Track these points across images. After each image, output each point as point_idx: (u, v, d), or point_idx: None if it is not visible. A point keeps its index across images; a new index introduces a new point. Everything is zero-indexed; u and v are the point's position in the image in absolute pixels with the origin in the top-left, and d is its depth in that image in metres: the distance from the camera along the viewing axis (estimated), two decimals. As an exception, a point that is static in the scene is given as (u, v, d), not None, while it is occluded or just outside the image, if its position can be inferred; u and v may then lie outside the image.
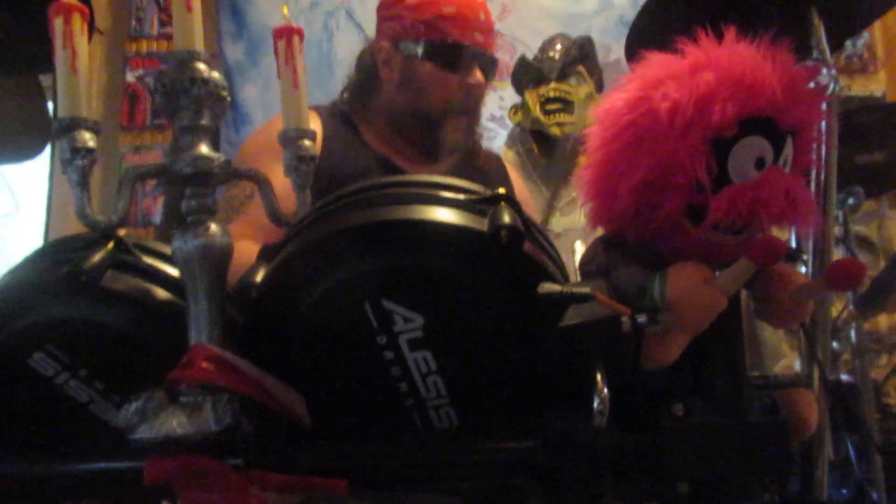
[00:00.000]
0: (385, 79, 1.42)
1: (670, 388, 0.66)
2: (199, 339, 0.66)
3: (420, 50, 1.36)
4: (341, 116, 1.43)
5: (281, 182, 0.81)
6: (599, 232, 0.74)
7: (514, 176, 1.60)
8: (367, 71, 1.44)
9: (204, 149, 0.70)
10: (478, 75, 1.37)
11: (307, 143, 0.80)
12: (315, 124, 1.38)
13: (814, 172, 0.95)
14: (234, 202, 1.25)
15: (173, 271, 0.70)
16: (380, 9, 1.44)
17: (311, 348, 0.68)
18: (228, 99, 0.73)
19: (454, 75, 1.36)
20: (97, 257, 0.67)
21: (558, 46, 2.26)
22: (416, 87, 1.38)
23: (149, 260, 0.71)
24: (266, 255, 0.71)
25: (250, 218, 1.21)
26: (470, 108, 1.41)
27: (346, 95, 1.47)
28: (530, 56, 2.33)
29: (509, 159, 2.20)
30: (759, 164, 0.64)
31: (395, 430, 0.71)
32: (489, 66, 1.40)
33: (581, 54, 2.23)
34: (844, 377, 1.53)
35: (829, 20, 1.00)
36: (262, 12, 3.35)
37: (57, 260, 0.70)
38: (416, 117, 1.39)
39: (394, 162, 1.40)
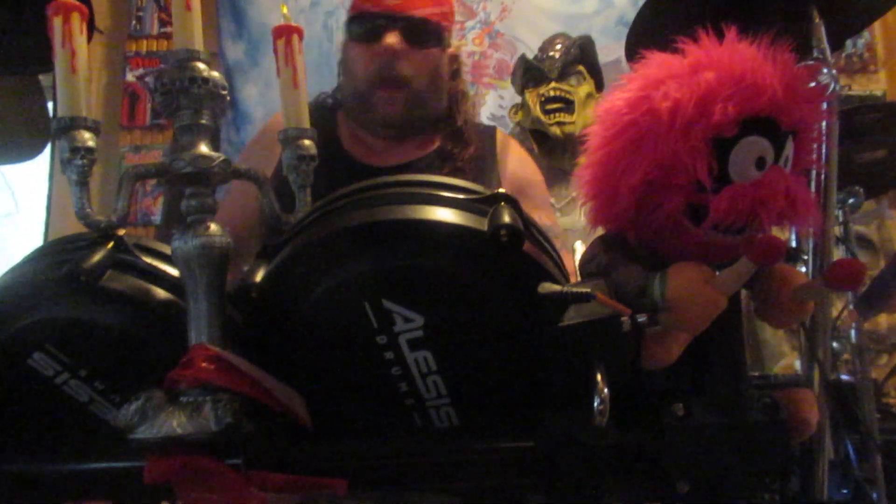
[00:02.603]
0: (342, 71, 1.43)
1: (670, 388, 0.66)
2: (199, 339, 0.66)
3: (345, 32, 1.37)
4: (325, 111, 1.42)
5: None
6: (599, 232, 0.74)
7: (514, 155, 1.49)
8: (340, 66, 1.45)
9: (204, 148, 0.70)
10: (390, 38, 1.29)
11: (307, 142, 0.80)
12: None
13: (814, 172, 0.95)
14: None
15: (173, 271, 0.70)
16: None
17: (311, 348, 0.68)
18: (228, 98, 0.73)
19: (368, 46, 1.31)
20: (97, 257, 0.67)
21: (558, 46, 2.25)
22: (347, 69, 1.38)
23: (149, 260, 0.71)
24: (266, 254, 0.71)
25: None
26: (389, 76, 1.31)
27: (334, 92, 1.48)
28: (530, 56, 2.32)
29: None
30: (760, 163, 0.64)
31: (396, 430, 0.71)
32: (412, 29, 1.30)
33: (581, 54, 2.23)
34: (844, 377, 1.53)
35: (829, 20, 0.99)
36: (262, 12, 3.35)
37: (57, 260, 0.70)
38: (354, 99, 1.37)
39: (354, 157, 1.37)
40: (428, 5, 1.32)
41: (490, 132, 1.50)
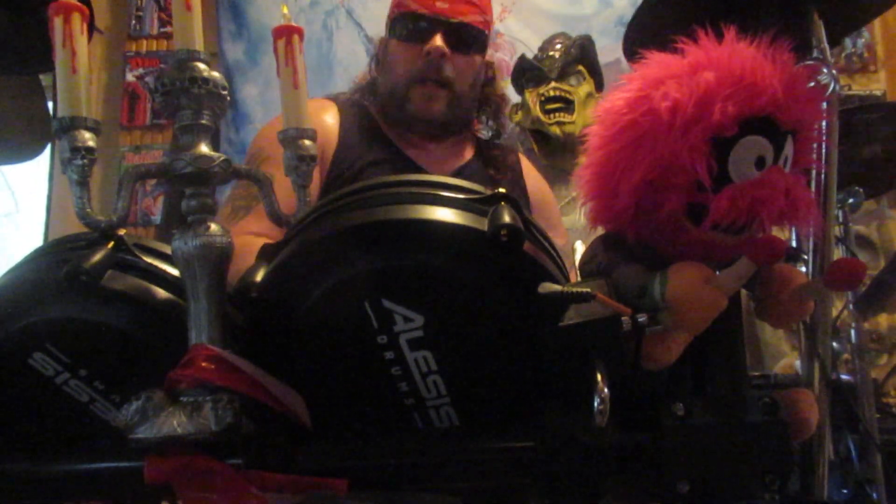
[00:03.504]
0: (382, 66, 1.45)
1: (670, 387, 0.66)
2: (199, 339, 0.66)
3: (388, 29, 1.39)
4: (359, 107, 1.45)
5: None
6: (599, 231, 0.74)
7: (531, 172, 1.58)
8: (374, 62, 1.48)
9: (204, 148, 0.70)
10: (437, 41, 1.33)
11: (307, 142, 0.80)
12: (332, 113, 1.40)
13: (814, 172, 0.95)
14: (248, 195, 1.25)
15: (173, 271, 0.70)
16: None
17: (312, 348, 0.68)
18: (228, 98, 0.73)
19: (415, 46, 1.35)
20: (97, 257, 0.67)
21: (558, 46, 2.26)
22: (388, 65, 1.40)
23: (149, 260, 0.71)
24: (266, 254, 0.71)
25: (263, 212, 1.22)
26: (433, 77, 1.35)
27: (363, 87, 1.49)
28: (530, 56, 2.33)
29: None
30: (760, 163, 0.64)
31: (396, 430, 0.71)
32: (458, 34, 1.35)
33: (581, 53, 2.23)
34: (844, 377, 1.53)
35: (827, 18, 0.99)
36: (262, 12, 3.35)
37: (57, 260, 0.70)
38: (392, 96, 1.39)
39: (405, 153, 1.40)
40: (472, 12, 1.36)
41: (513, 153, 1.56)
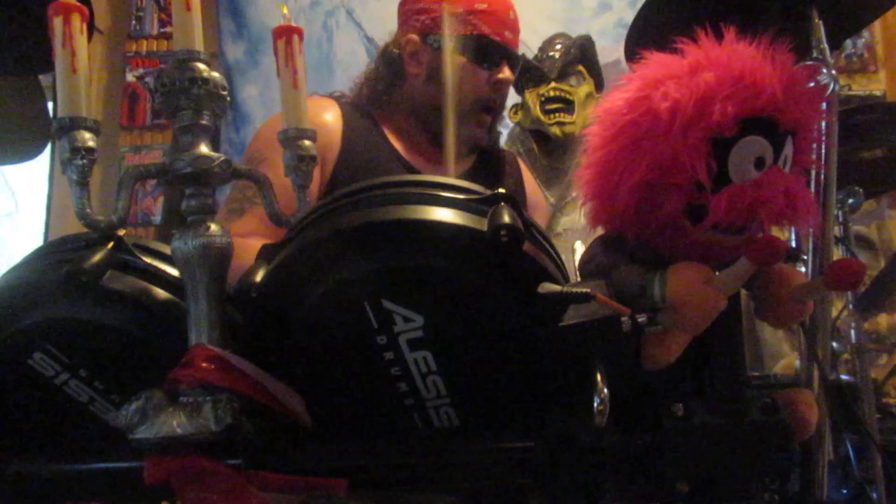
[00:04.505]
0: (412, 72, 1.42)
1: (670, 388, 0.66)
2: (199, 339, 0.66)
3: (453, 45, 1.37)
4: (361, 110, 1.43)
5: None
6: (599, 232, 0.74)
7: (528, 176, 1.60)
8: (392, 64, 1.44)
9: (204, 148, 0.70)
10: (507, 71, 1.38)
11: (307, 142, 0.80)
12: (335, 114, 1.38)
13: (814, 172, 0.95)
14: (243, 198, 1.25)
15: (173, 271, 0.70)
16: (406, 2, 1.44)
17: (312, 348, 0.68)
18: (228, 99, 0.73)
19: (484, 70, 1.37)
20: (97, 257, 0.67)
21: (558, 46, 2.25)
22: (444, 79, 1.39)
23: (149, 260, 0.71)
24: (266, 254, 0.71)
25: (261, 212, 1.21)
26: (496, 104, 1.42)
27: (365, 89, 1.47)
28: (530, 56, 2.32)
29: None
30: (759, 163, 0.64)
31: (396, 430, 0.71)
32: (515, 65, 1.42)
33: (581, 53, 2.23)
34: (844, 377, 1.53)
35: (828, 19, 1.00)
36: (262, 12, 3.36)
37: (57, 260, 0.70)
38: (439, 109, 1.38)
39: (408, 161, 1.39)
40: (518, 43, 1.42)
41: (512, 158, 1.59)
